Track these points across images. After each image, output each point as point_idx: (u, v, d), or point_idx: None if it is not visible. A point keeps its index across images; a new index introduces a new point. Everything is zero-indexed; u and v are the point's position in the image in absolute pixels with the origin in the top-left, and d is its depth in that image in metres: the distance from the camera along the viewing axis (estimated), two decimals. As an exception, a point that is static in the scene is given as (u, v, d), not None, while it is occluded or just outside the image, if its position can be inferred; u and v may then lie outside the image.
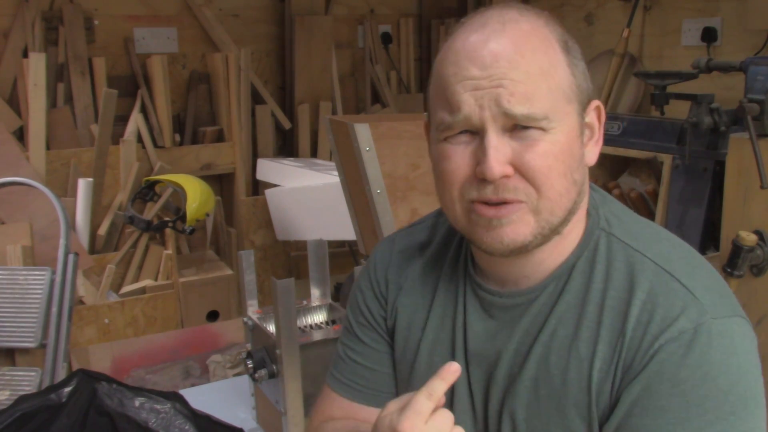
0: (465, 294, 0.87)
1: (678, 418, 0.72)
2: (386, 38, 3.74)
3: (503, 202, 0.75)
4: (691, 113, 2.25)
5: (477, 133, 0.76)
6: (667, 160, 2.42)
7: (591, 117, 0.81)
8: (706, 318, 0.73)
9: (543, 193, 0.75)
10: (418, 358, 0.90)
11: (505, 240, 0.76)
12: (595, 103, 0.81)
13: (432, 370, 0.83)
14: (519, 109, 0.73)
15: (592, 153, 0.81)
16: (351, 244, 3.12)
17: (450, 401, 0.87)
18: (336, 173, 1.71)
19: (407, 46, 3.81)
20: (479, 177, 0.75)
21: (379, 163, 1.51)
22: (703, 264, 0.80)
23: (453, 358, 0.86)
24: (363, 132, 1.48)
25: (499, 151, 0.74)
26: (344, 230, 2.08)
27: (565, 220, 0.79)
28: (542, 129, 0.74)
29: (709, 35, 2.72)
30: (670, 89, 2.36)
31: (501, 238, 0.76)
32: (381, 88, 3.69)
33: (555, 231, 0.78)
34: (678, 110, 2.41)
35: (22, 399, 1.10)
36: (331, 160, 3.16)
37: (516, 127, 0.74)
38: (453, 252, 0.92)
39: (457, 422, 0.78)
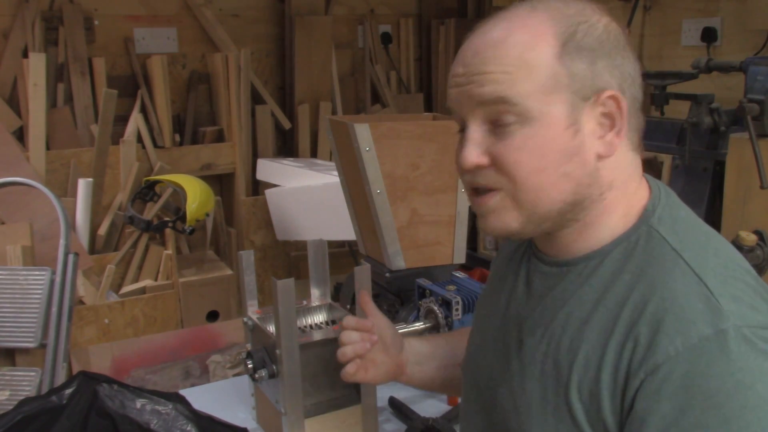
0: (522, 260, 0.92)
1: None
2: (386, 38, 3.74)
3: (481, 190, 0.80)
4: (691, 113, 2.25)
5: None
6: (667, 160, 2.42)
7: (608, 107, 0.78)
8: (727, 324, 0.69)
9: (518, 185, 0.77)
10: (476, 313, 1.02)
11: (489, 227, 0.81)
12: (608, 92, 0.77)
13: (478, 328, 0.98)
14: (487, 92, 0.76)
15: (609, 144, 0.78)
16: (351, 244, 3.12)
17: (477, 354, 0.95)
18: (336, 173, 1.71)
19: (407, 46, 3.81)
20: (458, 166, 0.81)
21: (379, 163, 1.51)
22: (746, 279, 0.75)
23: (490, 317, 0.94)
24: (363, 132, 1.48)
25: (473, 142, 0.78)
26: (344, 230, 2.08)
27: (568, 211, 0.79)
28: (519, 123, 0.76)
29: (709, 35, 2.72)
30: (670, 89, 2.36)
31: (486, 226, 0.81)
32: (381, 88, 3.69)
33: (560, 219, 0.80)
34: (678, 110, 2.41)
35: (24, 402, 1.10)
36: (331, 160, 3.16)
37: (497, 122, 0.77)
38: None
39: (477, 375, 0.93)
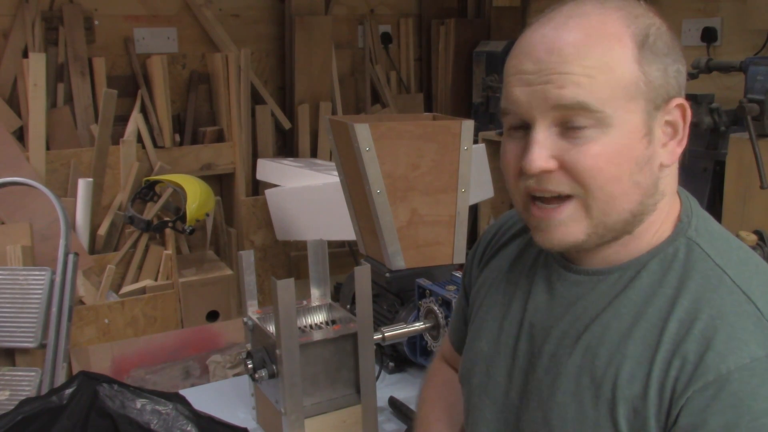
0: (537, 265, 0.88)
1: None
2: (386, 38, 3.74)
3: (550, 199, 0.75)
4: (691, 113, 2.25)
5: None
6: (667, 160, 2.41)
7: (674, 115, 0.77)
8: None
9: (591, 192, 0.74)
10: (477, 316, 0.95)
11: (554, 241, 0.77)
12: (677, 100, 0.76)
13: (482, 330, 0.92)
14: (568, 96, 0.71)
15: (671, 153, 0.77)
16: (351, 244, 3.12)
17: (488, 361, 0.90)
18: (336, 173, 1.71)
19: (407, 46, 3.81)
20: (522, 170, 0.76)
21: (379, 163, 1.51)
22: None
23: (501, 322, 0.89)
24: (363, 132, 1.48)
25: (542, 146, 0.74)
26: (344, 230, 2.08)
27: (631, 222, 0.77)
28: (597, 127, 0.72)
29: (709, 35, 2.72)
30: (670, 89, 2.36)
31: (550, 239, 0.77)
32: (381, 88, 3.69)
33: (621, 231, 0.77)
34: (678, 110, 2.41)
35: (24, 402, 1.10)
36: (331, 160, 3.16)
37: (569, 125, 0.73)
38: None
39: (490, 385, 0.88)
